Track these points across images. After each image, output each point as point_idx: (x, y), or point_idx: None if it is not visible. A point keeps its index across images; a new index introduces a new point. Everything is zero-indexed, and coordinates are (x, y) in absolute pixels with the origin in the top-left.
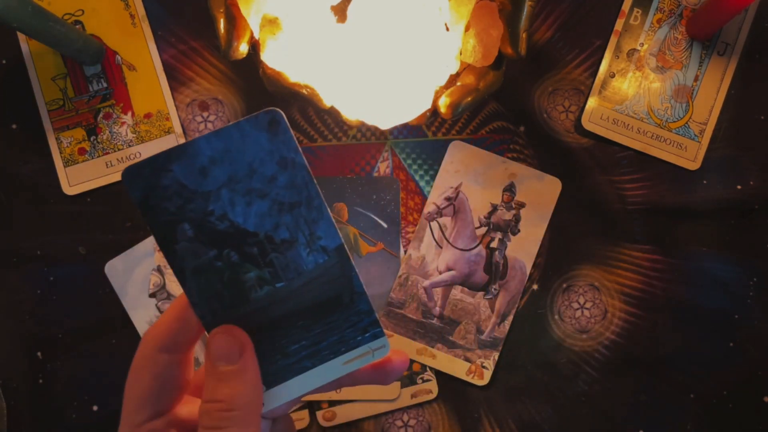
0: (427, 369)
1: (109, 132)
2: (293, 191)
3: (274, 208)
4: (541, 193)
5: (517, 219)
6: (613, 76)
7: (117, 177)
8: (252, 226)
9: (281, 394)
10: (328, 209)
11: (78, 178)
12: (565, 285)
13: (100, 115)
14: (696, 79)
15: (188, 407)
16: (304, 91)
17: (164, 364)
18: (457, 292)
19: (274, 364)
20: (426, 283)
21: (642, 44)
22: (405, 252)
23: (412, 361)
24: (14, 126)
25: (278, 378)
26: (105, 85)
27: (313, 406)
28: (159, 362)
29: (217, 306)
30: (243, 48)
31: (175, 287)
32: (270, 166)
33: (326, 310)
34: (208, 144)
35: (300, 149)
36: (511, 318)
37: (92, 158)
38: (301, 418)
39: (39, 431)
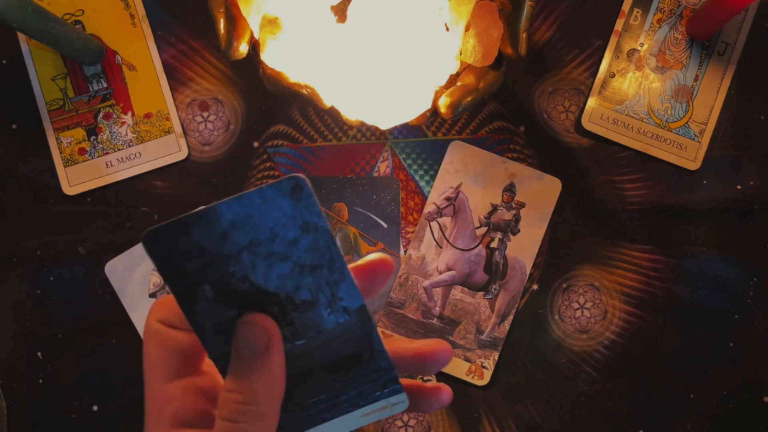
0: None
1: (109, 132)
2: (315, 254)
3: (295, 271)
4: (541, 193)
5: (517, 219)
6: (613, 76)
7: (117, 177)
8: (273, 288)
9: None
10: (350, 272)
11: (78, 178)
12: (565, 285)
13: (100, 115)
14: (696, 79)
15: (211, 374)
16: (304, 91)
17: (168, 335)
18: (457, 292)
19: (292, 416)
20: (426, 283)
21: (642, 44)
22: (405, 252)
23: None
24: (14, 126)
25: (295, 428)
26: (105, 85)
27: None
28: (162, 333)
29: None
30: (243, 48)
31: None
32: (292, 230)
33: (346, 367)
34: (229, 209)
35: (323, 214)
36: (511, 318)
37: (92, 158)
38: None
39: (39, 431)
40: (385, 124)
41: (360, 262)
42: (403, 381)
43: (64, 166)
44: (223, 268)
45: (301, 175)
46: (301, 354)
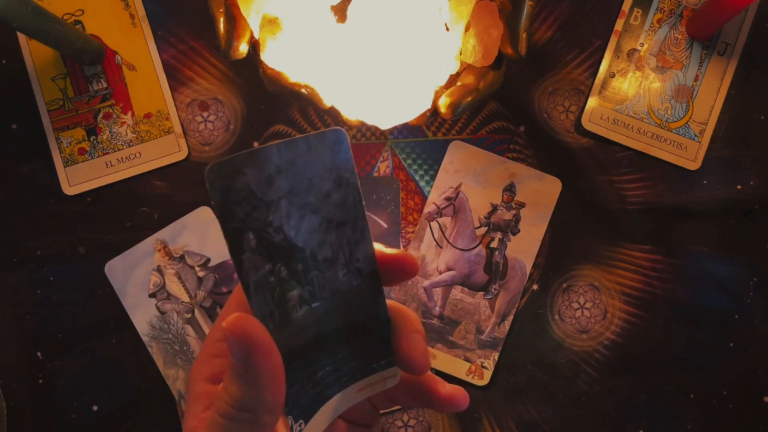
0: None
1: (109, 132)
2: (343, 210)
3: (323, 226)
4: (541, 193)
5: (517, 219)
6: (613, 76)
7: (117, 177)
8: (301, 242)
9: (312, 428)
10: (370, 233)
11: (78, 178)
12: (565, 285)
13: (100, 115)
14: (696, 79)
15: None
16: (304, 91)
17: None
18: (457, 292)
19: (307, 394)
20: (426, 283)
21: (642, 44)
22: None
23: None
24: (14, 126)
25: (311, 410)
26: (105, 85)
27: None
28: (212, 393)
29: (270, 327)
30: (243, 48)
31: (174, 287)
32: (327, 182)
33: (351, 335)
34: (278, 153)
35: (355, 170)
36: (511, 318)
37: (92, 158)
38: None
39: (39, 431)
40: (385, 124)
41: (391, 250)
42: (419, 379)
43: (64, 166)
44: (265, 216)
45: (343, 129)
46: (316, 318)
